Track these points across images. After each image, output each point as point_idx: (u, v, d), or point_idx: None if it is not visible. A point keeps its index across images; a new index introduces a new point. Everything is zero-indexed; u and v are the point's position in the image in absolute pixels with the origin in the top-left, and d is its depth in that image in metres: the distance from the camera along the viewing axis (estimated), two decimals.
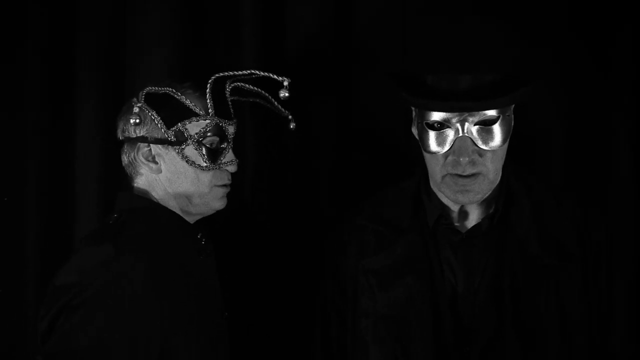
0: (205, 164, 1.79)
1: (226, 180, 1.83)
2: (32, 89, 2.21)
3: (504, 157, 1.71)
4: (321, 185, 2.20)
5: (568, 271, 1.69)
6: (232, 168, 1.83)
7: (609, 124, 2.11)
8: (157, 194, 1.81)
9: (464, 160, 1.63)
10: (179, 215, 1.81)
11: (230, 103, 1.85)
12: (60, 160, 2.22)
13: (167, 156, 1.79)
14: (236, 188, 1.88)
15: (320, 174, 2.19)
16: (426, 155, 1.71)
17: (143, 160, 1.79)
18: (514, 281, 1.68)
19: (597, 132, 2.11)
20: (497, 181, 1.72)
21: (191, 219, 1.84)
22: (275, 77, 1.79)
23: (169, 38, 2.18)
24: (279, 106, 1.90)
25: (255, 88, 1.89)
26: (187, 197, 1.80)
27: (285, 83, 1.77)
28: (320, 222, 2.14)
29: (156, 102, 1.78)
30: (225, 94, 1.84)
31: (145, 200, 1.80)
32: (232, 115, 1.84)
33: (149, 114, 1.77)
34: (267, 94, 1.90)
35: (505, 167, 1.74)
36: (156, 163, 1.79)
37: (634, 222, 2.10)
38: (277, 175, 2.20)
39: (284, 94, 1.78)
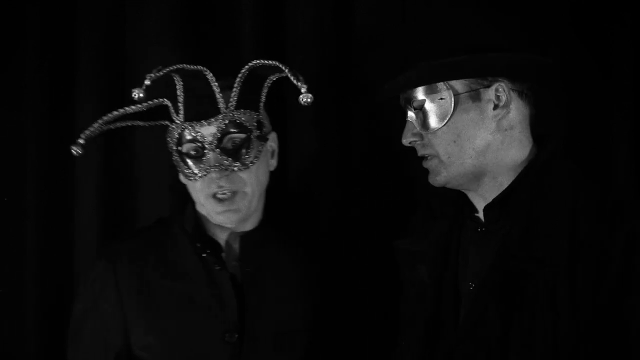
0: (188, 173, 1.70)
1: (214, 188, 1.69)
2: (32, 89, 2.22)
3: (490, 153, 1.68)
4: (321, 185, 2.19)
5: (566, 272, 1.69)
6: (215, 175, 1.67)
7: (609, 124, 2.10)
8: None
9: (405, 141, 1.66)
10: (187, 231, 1.79)
11: (218, 97, 1.69)
12: (60, 160, 2.22)
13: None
14: None
15: (320, 174, 2.19)
16: None
17: None
18: (510, 282, 1.68)
19: (597, 132, 2.11)
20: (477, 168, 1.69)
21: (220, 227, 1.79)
22: (295, 81, 1.69)
23: (168, 37, 2.18)
24: (295, 79, 1.70)
25: (274, 62, 1.73)
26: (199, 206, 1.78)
27: (303, 90, 1.67)
28: (320, 224, 2.14)
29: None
30: (212, 87, 1.68)
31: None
32: (213, 112, 1.68)
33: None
34: (283, 67, 1.72)
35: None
36: None
37: None
38: (277, 176, 2.20)
39: (306, 99, 1.66)
